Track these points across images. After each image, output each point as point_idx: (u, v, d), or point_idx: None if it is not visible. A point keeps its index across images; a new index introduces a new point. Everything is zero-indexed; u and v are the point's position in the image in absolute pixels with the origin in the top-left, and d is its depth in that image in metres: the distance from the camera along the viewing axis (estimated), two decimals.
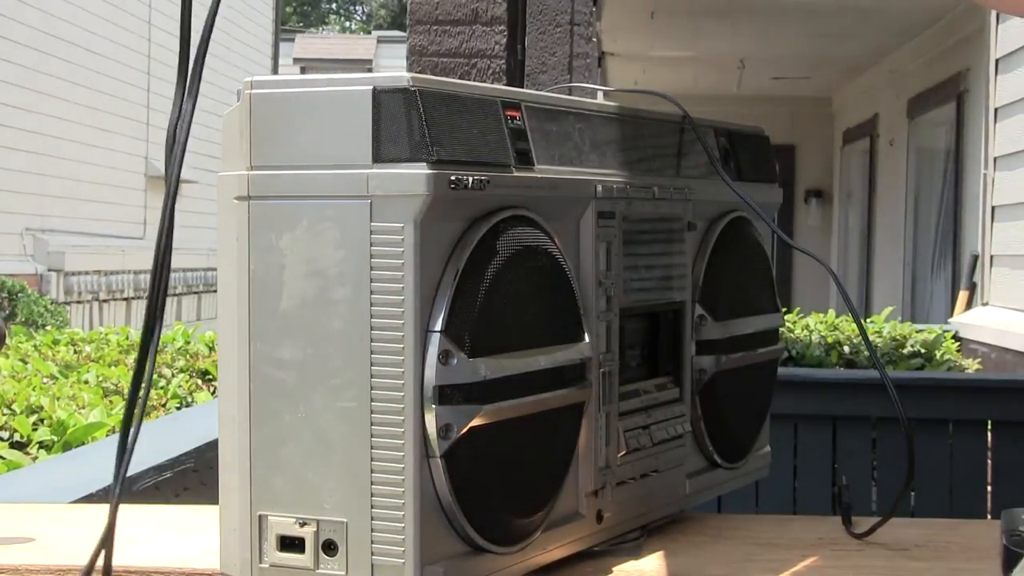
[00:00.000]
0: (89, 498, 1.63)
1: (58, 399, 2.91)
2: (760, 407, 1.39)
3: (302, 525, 0.94)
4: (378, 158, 0.91)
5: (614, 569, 1.12)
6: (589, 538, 1.12)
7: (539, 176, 1.02)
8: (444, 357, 0.91)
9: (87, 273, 12.27)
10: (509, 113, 1.00)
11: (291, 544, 0.95)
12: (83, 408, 2.88)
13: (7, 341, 1.39)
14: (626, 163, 1.16)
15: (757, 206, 1.24)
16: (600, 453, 1.11)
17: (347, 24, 38.04)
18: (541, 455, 1.03)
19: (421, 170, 0.90)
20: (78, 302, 12.09)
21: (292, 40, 22.48)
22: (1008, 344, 5.82)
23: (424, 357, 0.91)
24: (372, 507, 0.92)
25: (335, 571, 0.93)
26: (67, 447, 2.58)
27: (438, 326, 0.91)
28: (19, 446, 2.65)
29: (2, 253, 11.12)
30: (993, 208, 6.82)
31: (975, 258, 7.32)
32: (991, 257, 6.89)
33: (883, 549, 1.21)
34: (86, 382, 3.30)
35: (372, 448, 0.91)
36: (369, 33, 29.36)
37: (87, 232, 12.58)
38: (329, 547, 0.93)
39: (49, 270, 11.70)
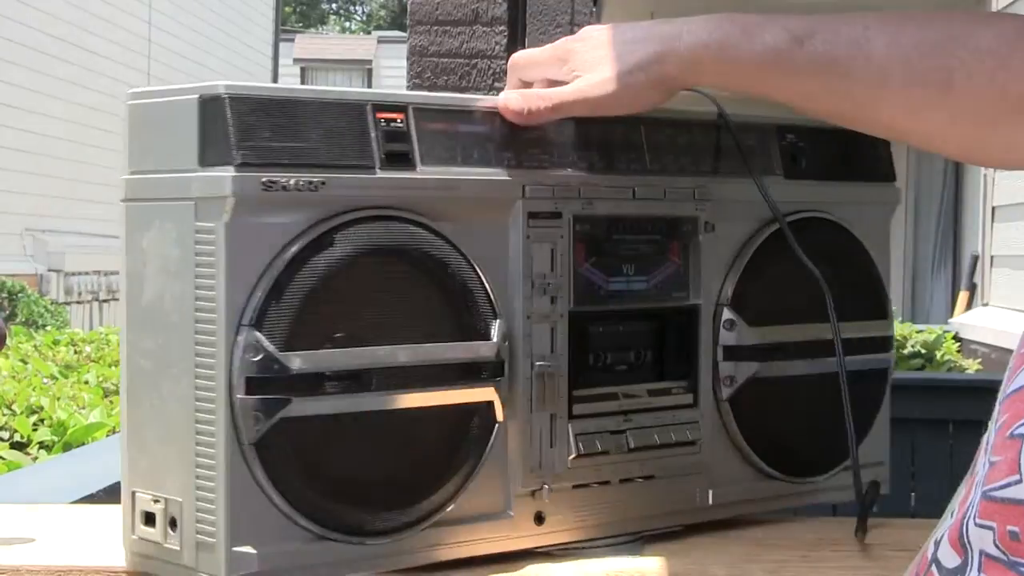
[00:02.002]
0: (89, 498, 1.63)
1: (58, 399, 2.91)
2: (837, 419, 1.20)
3: (155, 502, 1.02)
4: (203, 162, 0.98)
5: (614, 569, 1.12)
6: (525, 539, 1.12)
7: (419, 177, 1.04)
8: (253, 350, 0.96)
9: (87, 273, 12.27)
10: (383, 116, 1.03)
11: (151, 520, 1.03)
12: (83, 408, 2.89)
13: (7, 341, 1.39)
14: (607, 164, 1.15)
15: (772, 201, 1.20)
16: (535, 454, 1.12)
17: (347, 24, 38.04)
18: (384, 453, 1.03)
19: (227, 173, 0.96)
20: (78, 302, 12.09)
21: (292, 40, 22.46)
22: (1008, 344, 5.81)
23: (234, 350, 0.97)
24: (196, 488, 0.99)
25: (174, 546, 1.01)
26: (67, 447, 2.58)
27: (248, 320, 0.97)
28: (19, 446, 2.65)
29: (2, 253, 11.12)
30: (993, 208, 6.83)
31: (975, 258, 7.33)
32: (991, 257, 6.90)
33: (883, 549, 1.21)
34: (86, 382, 3.30)
35: (196, 434, 0.99)
36: (369, 33, 29.37)
37: (87, 232, 12.59)
38: (173, 524, 1.01)
39: (49, 270, 11.71)
